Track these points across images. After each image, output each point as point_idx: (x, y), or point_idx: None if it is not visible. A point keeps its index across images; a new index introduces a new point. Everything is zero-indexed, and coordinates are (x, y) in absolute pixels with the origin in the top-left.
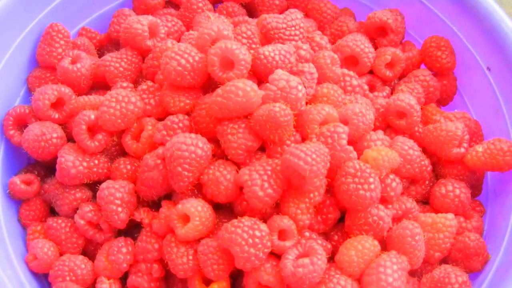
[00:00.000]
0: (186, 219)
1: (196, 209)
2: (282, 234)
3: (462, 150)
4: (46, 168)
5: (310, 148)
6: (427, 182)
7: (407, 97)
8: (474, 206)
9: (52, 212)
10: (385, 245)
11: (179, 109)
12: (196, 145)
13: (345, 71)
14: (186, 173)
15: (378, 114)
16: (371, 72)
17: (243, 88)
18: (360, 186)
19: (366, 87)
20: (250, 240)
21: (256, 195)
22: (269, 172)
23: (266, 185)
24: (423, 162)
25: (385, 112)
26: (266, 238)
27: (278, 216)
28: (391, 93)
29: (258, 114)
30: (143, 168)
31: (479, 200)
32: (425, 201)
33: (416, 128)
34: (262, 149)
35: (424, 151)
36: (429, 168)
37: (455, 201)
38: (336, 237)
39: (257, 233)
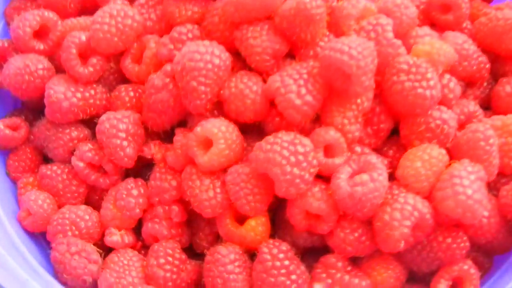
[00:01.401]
0: (208, 144)
1: (220, 129)
2: (329, 150)
3: None
4: (35, 112)
5: (353, 41)
6: (485, 83)
7: None
8: None
9: (46, 160)
10: (450, 157)
11: (187, 19)
12: (212, 53)
13: None
14: (202, 87)
15: (419, 11)
16: None
17: None
18: (417, 84)
19: None
20: (293, 158)
21: (293, 104)
22: (305, 76)
23: (303, 90)
24: (480, 58)
25: (427, 8)
26: (311, 154)
27: (322, 128)
28: None
29: (285, 9)
30: (149, 90)
31: None
32: (485, 107)
33: (465, 25)
34: (291, 56)
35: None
36: (487, 66)
37: None
38: (391, 152)
39: (300, 149)
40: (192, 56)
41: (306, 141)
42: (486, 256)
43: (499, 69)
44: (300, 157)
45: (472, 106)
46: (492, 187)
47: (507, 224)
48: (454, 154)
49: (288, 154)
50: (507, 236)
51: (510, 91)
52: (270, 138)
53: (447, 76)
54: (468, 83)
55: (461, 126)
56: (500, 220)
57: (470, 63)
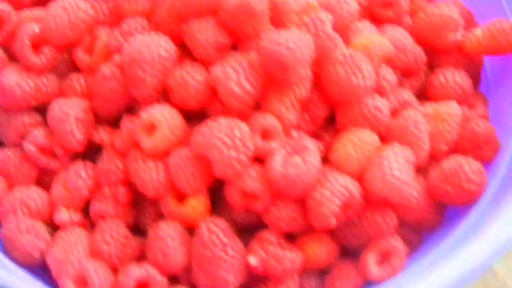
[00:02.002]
0: (152, 129)
1: (163, 115)
2: (266, 135)
3: (459, 35)
4: None
5: (291, 34)
6: (422, 75)
7: None
8: (476, 95)
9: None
10: (384, 143)
11: (137, 13)
12: (158, 45)
13: None
14: (148, 78)
15: (361, 8)
16: None
17: None
18: (352, 74)
19: None
20: (229, 141)
21: (232, 92)
22: (245, 66)
23: (242, 79)
24: (417, 52)
25: (370, 5)
26: (247, 138)
27: (260, 114)
28: None
29: (229, 4)
30: (98, 79)
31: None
32: (421, 97)
33: (405, 20)
34: (235, 48)
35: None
36: (424, 58)
37: (456, 89)
38: (327, 138)
39: (237, 133)
40: (139, 47)
41: (243, 125)
42: (415, 233)
43: (435, 61)
44: (237, 140)
45: (407, 95)
46: (424, 171)
47: (435, 204)
48: (387, 140)
49: (225, 137)
50: (435, 215)
51: (443, 81)
52: (209, 123)
53: (384, 67)
54: (406, 74)
55: (396, 113)
56: (428, 200)
57: (407, 55)
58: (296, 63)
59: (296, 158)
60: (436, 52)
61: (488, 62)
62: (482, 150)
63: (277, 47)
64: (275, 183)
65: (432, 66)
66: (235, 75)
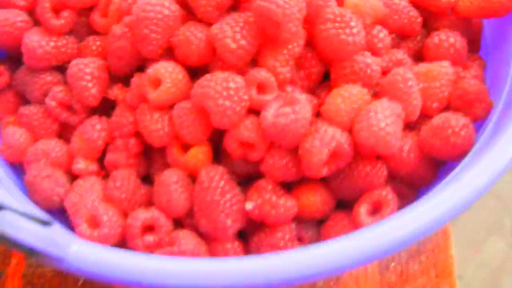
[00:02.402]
0: (158, 83)
1: (167, 70)
2: (261, 89)
3: None
4: (17, 61)
5: None
6: (419, 37)
7: None
8: (473, 58)
9: (26, 104)
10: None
11: None
12: (162, 5)
13: None
14: (154, 35)
15: None
16: None
17: None
18: (341, 31)
19: None
20: (225, 93)
21: (229, 48)
22: (241, 24)
23: (238, 36)
24: (411, 13)
25: None
26: (242, 90)
27: (256, 69)
28: None
29: None
30: (111, 39)
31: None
32: (418, 59)
33: None
34: (235, 9)
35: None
36: (419, 20)
37: (450, 50)
38: (322, 94)
39: (232, 85)
40: (145, 8)
41: (238, 78)
42: (410, 188)
43: (432, 24)
44: (231, 92)
45: (400, 54)
46: (418, 128)
47: (427, 159)
48: (378, 97)
49: (220, 89)
50: (427, 170)
51: (437, 42)
52: (207, 76)
53: (378, 27)
54: (402, 36)
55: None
56: (419, 155)
57: (401, 16)
58: (287, 19)
59: (286, 109)
60: (433, 16)
61: (488, 27)
62: (474, 108)
63: (269, 4)
64: (267, 133)
65: (430, 29)
66: (231, 32)
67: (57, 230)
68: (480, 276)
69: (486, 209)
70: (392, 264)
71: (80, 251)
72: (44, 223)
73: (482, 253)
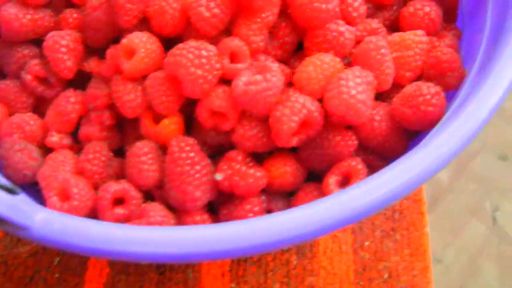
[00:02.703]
0: (132, 53)
1: (141, 40)
2: (234, 58)
3: None
4: None
5: None
6: (395, 7)
7: None
8: (449, 28)
9: (3, 77)
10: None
11: None
12: None
13: None
14: (129, 5)
15: None
16: None
17: None
18: None
19: None
20: (197, 61)
21: (202, 17)
22: None
23: (212, 4)
24: None
25: None
26: (214, 58)
27: (228, 38)
28: None
29: None
30: (88, 11)
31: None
32: (395, 29)
33: None
34: None
35: None
36: None
37: (424, 19)
38: (296, 64)
39: (204, 53)
40: None
41: (211, 47)
42: (381, 160)
43: None
44: (204, 60)
45: (375, 23)
46: (389, 98)
47: (398, 130)
48: (351, 66)
49: (192, 57)
50: (398, 141)
51: (412, 11)
52: (180, 45)
53: None
54: (377, 6)
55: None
56: (391, 125)
57: None
58: None
59: (257, 76)
60: None
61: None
62: (447, 77)
63: None
64: (238, 101)
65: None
66: (204, 1)
67: (23, 198)
68: (460, 260)
69: (466, 193)
70: (367, 243)
71: (46, 219)
72: (10, 190)
73: (462, 237)
